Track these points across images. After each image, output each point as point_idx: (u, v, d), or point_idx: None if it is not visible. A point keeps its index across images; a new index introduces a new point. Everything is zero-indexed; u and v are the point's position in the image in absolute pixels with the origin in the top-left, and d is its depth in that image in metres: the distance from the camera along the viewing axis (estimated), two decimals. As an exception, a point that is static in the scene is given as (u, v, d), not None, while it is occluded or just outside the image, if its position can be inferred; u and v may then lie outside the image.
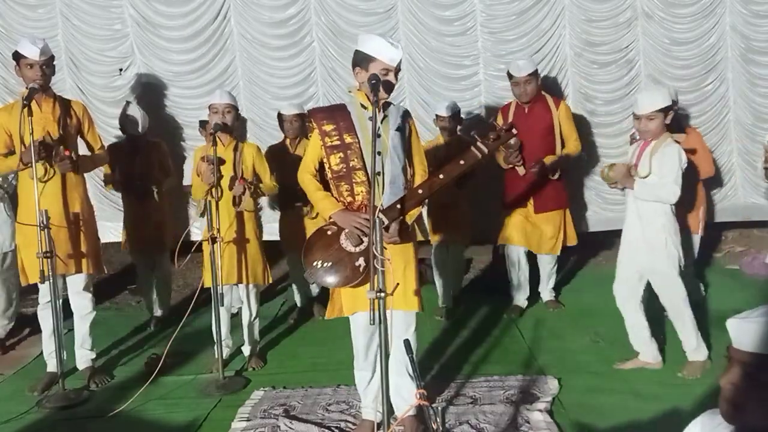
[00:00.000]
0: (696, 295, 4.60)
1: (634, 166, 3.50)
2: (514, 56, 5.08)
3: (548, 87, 5.25)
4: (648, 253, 3.52)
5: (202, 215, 4.21)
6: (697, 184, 4.55)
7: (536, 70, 4.52)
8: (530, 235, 4.67)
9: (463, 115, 5.04)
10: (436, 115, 4.73)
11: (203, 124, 4.52)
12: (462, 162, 2.95)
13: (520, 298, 4.81)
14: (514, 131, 3.01)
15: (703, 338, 3.63)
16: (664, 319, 4.44)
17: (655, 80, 5.29)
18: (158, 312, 4.94)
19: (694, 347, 3.61)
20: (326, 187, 3.00)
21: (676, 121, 4.40)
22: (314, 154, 3.00)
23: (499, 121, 4.56)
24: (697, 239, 4.65)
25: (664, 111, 3.39)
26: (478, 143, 2.96)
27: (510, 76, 4.51)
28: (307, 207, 4.61)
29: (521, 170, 4.53)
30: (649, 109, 3.37)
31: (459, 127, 4.76)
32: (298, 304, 5.06)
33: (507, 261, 4.84)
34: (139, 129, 4.60)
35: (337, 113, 2.97)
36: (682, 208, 4.44)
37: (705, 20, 5.29)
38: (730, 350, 1.43)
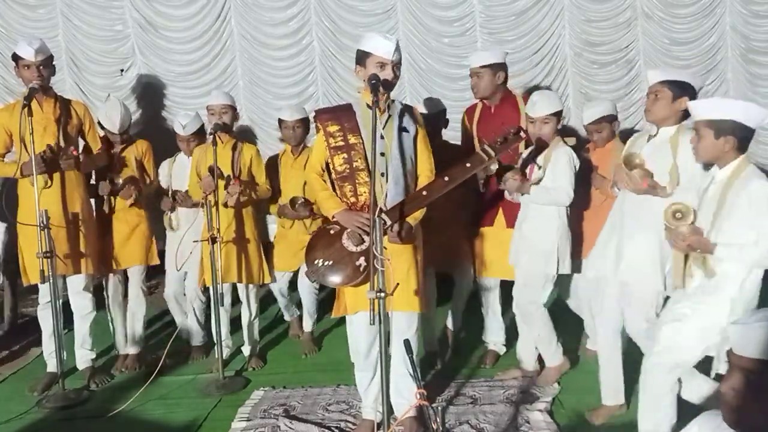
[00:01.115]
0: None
1: (521, 172, 3.42)
2: (513, 57, 5.06)
3: (548, 87, 5.25)
4: (531, 253, 3.46)
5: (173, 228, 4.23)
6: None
7: (492, 64, 3.73)
8: (503, 260, 3.77)
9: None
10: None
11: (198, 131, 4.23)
12: (468, 165, 2.96)
13: (496, 341, 4.08)
14: (522, 135, 2.97)
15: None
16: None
17: (655, 80, 5.28)
18: (130, 349, 4.17)
19: (551, 353, 3.59)
20: (333, 188, 3.01)
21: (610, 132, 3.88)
22: (320, 155, 3.01)
23: (465, 122, 4.04)
24: None
25: (557, 115, 3.40)
26: (485, 146, 2.96)
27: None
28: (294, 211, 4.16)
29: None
30: (544, 112, 3.36)
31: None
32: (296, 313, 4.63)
33: (481, 294, 4.07)
34: (117, 128, 3.98)
35: (342, 114, 2.98)
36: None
37: (705, 20, 5.30)
38: (730, 356, 1.44)
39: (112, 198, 4.04)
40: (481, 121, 3.91)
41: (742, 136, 2.49)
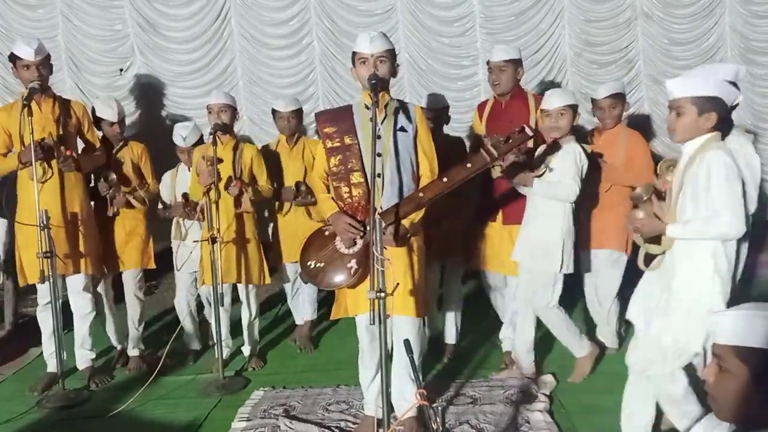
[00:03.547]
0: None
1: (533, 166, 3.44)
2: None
3: (548, 87, 5.25)
4: (535, 252, 3.43)
5: (177, 237, 4.15)
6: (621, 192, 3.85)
7: (515, 60, 3.80)
8: (502, 255, 3.80)
9: (462, 116, 5.04)
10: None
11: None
12: (469, 165, 2.89)
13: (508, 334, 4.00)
14: (529, 133, 2.89)
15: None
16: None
17: (654, 80, 5.30)
18: (132, 351, 4.19)
19: (578, 345, 3.61)
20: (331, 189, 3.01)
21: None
22: (321, 158, 3.02)
23: (476, 119, 4.05)
24: (621, 260, 3.89)
25: (573, 108, 3.38)
26: (488, 146, 2.89)
27: (488, 65, 3.90)
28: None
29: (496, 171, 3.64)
30: (560, 104, 3.35)
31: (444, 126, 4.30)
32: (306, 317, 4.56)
33: (489, 293, 4.15)
34: (116, 115, 3.98)
35: (340, 115, 2.98)
36: (602, 222, 3.84)
37: (704, 20, 5.30)
38: (713, 345, 1.51)
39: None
40: (491, 116, 3.92)
41: (723, 115, 2.41)
